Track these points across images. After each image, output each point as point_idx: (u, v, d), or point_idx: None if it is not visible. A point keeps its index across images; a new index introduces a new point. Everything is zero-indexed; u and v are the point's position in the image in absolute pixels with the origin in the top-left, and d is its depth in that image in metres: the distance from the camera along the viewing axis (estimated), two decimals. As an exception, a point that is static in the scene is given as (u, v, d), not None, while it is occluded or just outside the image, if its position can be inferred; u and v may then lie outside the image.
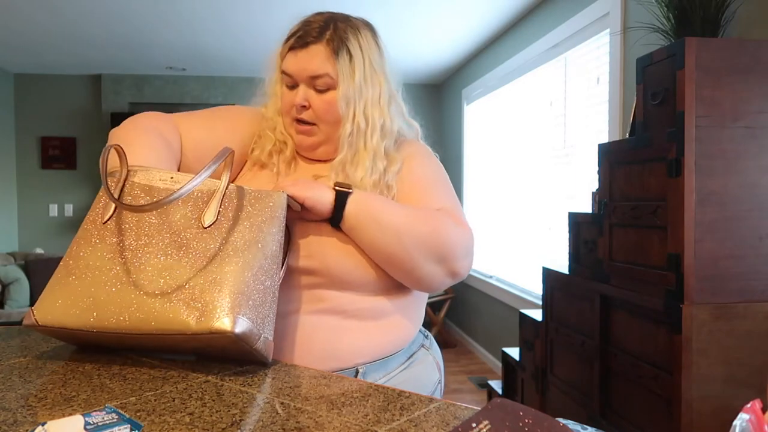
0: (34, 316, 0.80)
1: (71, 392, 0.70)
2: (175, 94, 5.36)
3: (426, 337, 1.11)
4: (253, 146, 1.05)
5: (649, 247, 1.63)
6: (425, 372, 1.05)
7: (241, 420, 0.62)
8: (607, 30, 2.64)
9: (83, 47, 4.41)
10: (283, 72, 0.99)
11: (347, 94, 0.97)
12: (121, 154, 0.86)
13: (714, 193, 1.49)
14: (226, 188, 0.85)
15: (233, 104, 5.03)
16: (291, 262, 0.93)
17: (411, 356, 1.02)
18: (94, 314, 0.78)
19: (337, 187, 0.91)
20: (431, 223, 0.93)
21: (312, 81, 0.97)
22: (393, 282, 0.97)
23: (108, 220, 0.85)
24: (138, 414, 0.63)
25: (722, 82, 1.50)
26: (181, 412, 0.64)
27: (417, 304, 1.04)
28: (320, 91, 0.97)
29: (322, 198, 0.89)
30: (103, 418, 0.52)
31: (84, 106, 5.38)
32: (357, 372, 0.94)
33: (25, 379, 0.75)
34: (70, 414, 0.62)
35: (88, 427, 0.51)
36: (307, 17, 1.00)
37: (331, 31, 0.97)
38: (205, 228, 0.82)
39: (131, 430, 0.52)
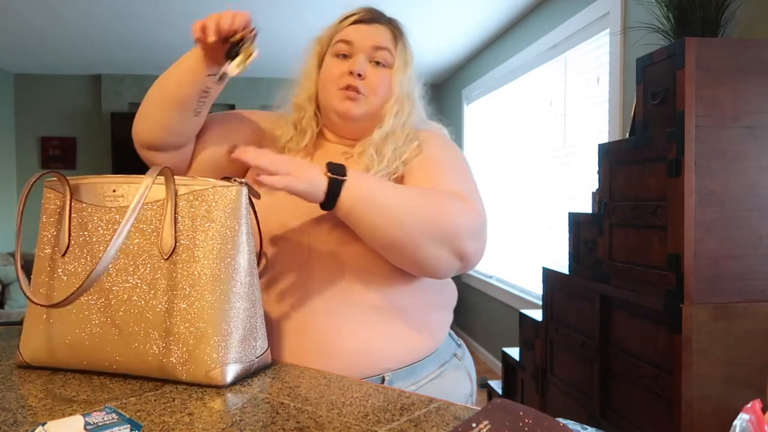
0: (21, 356, 0.79)
1: (71, 392, 0.70)
2: (175, 94, 5.35)
3: (459, 345, 1.05)
4: (265, 144, 1.04)
5: (649, 247, 1.63)
6: (457, 384, 0.98)
7: (241, 420, 0.62)
8: (607, 30, 2.64)
9: (83, 47, 4.41)
10: (341, 41, 1.01)
11: (401, 78, 1.01)
12: (60, 177, 0.80)
13: (714, 193, 1.49)
14: (176, 202, 0.76)
15: (233, 105, 4.99)
16: (285, 254, 0.92)
17: (442, 365, 0.96)
18: (82, 358, 0.76)
19: (329, 174, 0.81)
20: (432, 201, 0.86)
21: (373, 52, 1.00)
22: (410, 277, 0.93)
23: (66, 251, 0.78)
24: (138, 414, 0.63)
25: (722, 81, 1.50)
26: (181, 412, 0.64)
27: (441, 305, 1.00)
28: (378, 65, 1.01)
29: (316, 187, 0.80)
30: (103, 418, 0.52)
31: (84, 106, 5.38)
32: (383, 380, 0.89)
33: (25, 379, 0.75)
34: (70, 414, 0.62)
35: (88, 427, 0.51)
36: (363, 6, 1.06)
37: (392, 21, 1.06)
38: (166, 259, 0.75)
39: (131, 430, 0.52)
